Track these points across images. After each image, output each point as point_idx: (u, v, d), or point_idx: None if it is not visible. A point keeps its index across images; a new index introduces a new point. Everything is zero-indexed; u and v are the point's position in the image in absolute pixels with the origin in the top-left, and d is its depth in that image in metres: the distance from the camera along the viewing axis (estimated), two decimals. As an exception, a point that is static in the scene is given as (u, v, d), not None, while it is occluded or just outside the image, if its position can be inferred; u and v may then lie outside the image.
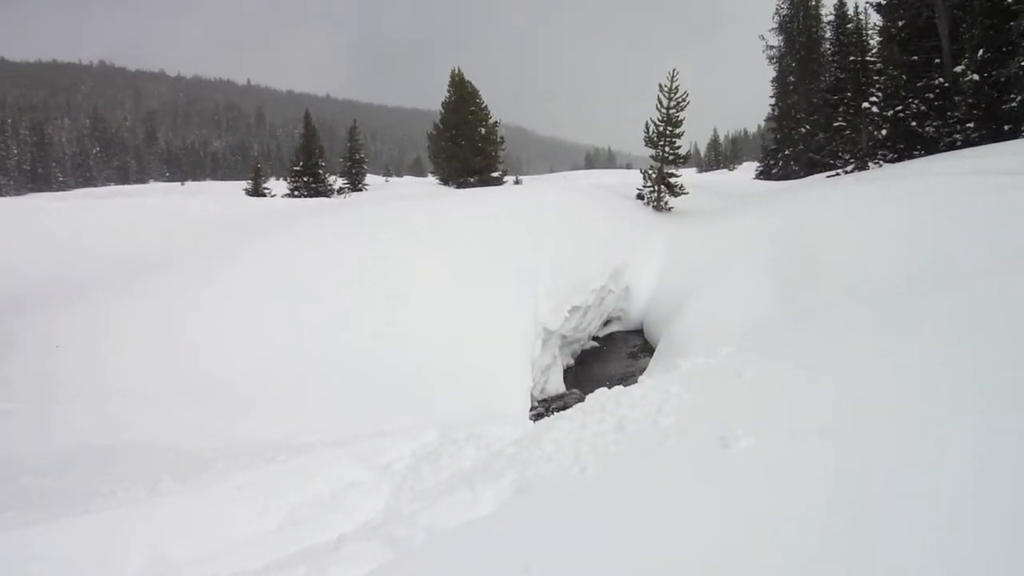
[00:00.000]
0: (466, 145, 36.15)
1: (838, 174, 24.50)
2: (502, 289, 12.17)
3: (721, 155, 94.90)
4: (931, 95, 23.89)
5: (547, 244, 14.67)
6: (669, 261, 16.67)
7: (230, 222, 15.94)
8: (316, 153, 39.64)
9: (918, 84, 24.09)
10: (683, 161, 22.85)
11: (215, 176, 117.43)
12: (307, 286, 11.04)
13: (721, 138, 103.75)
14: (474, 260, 12.93)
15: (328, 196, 37.70)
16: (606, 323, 16.08)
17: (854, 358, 5.27)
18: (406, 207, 16.33)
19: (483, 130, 36.92)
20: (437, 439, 6.77)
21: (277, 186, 44.50)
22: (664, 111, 22.30)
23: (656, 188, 22.37)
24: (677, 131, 22.42)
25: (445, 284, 11.78)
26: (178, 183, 76.28)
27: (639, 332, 15.71)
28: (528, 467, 5.11)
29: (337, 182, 42.08)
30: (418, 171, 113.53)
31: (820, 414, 4.39)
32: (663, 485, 4.13)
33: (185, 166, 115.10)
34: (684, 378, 6.75)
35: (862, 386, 4.60)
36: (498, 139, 38.10)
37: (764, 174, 42.43)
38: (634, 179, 25.17)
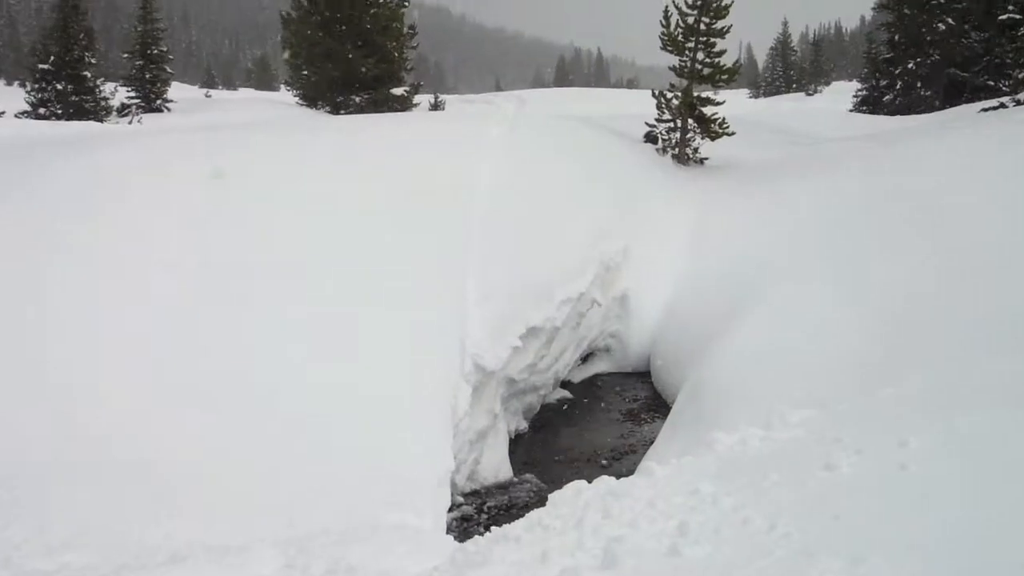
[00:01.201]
0: (349, 37, 35.79)
1: (1002, 105, 24.56)
2: (400, 296, 11.88)
3: (794, 69, 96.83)
4: None
5: (483, 217, 14.54)
6: (698, 252, 16.73)
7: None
8: (80, 41, 38.76)
9: None
10: (727, 78, 23.08)
11: None
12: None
13: (795, 40, 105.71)
14: (355, 246, 12.64)
15: (101, 118, 36.89)
16: (586, 358, 16.09)
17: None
18: (231, 148, 15.90)
19: (379, 12, 36.63)
20: (277, 571, 6.54)
21: (8, 96, 43.13)
22: (697, -12, 22.45)
23: (679, 124, 22.47)
24: (718, 25, 22.60)
25: (302, 293, 11.42)
26: None
27: (643, 375, 15.73)
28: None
29: (118, 94, 41.26)
30: (265, 81, 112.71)
31: (987, 550, 4.18)
32: None
33: None
34: (725, 467, 6.59)
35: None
36: (406, 30, 37.79)
37: (869, 103, 42.88)
38: (642, 108, 25.29)
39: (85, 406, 8.60)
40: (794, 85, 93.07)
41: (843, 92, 60.45)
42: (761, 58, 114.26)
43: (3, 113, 33.62)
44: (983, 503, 4.66)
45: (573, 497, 6.76)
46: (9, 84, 55.25)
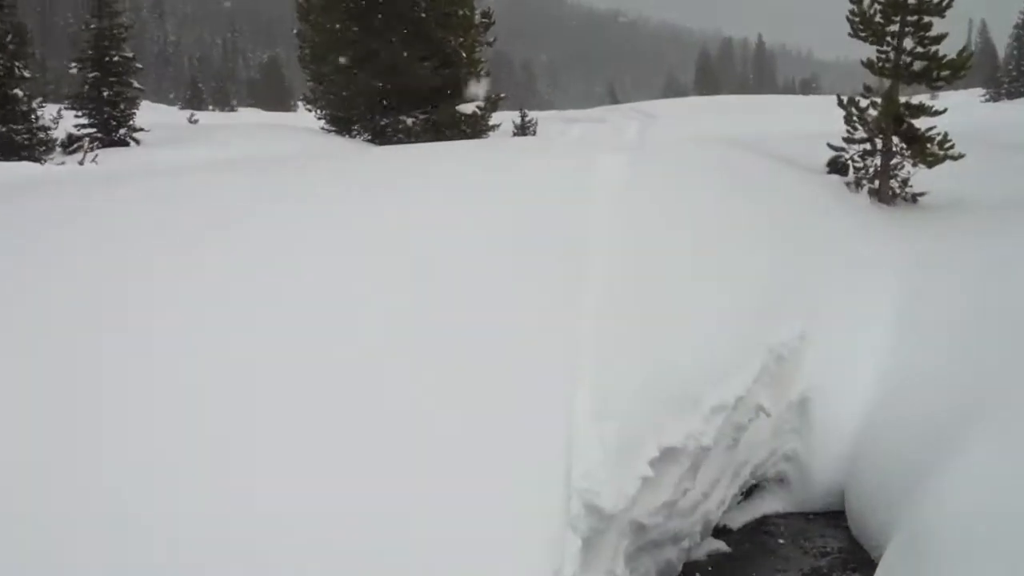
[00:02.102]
0: (396, 30, 36.14)
1: None
2: (481, 411, 12.07)
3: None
4: None
5: (597, 294, 14.66)
6: (913, 337, 16.66)
7: None
8: (6, 44, 39.19)
9: None
10: (952, 75, 23.03)
11: None
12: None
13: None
14: (422, 346, 12.90)
15: (39, 158, 37.13)
16: (749, 492, 16.09)
17: None
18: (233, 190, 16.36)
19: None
20: None
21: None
22: (901, -49, 22.62)
23: (881, 145, 22.51)
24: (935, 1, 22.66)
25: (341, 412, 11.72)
26: None
27: (834, 517, 15.67)
28: None
29: (63, 120, 41.88)
30: (275, 97, 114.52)
31: None
32: None
33: None
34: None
35: None
36: (479, 18, 38.19)
37: None
38: (822, 122, 25.41)
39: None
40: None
41: None
42: (1002, 44, 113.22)
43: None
44: None
45: None
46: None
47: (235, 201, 15.92)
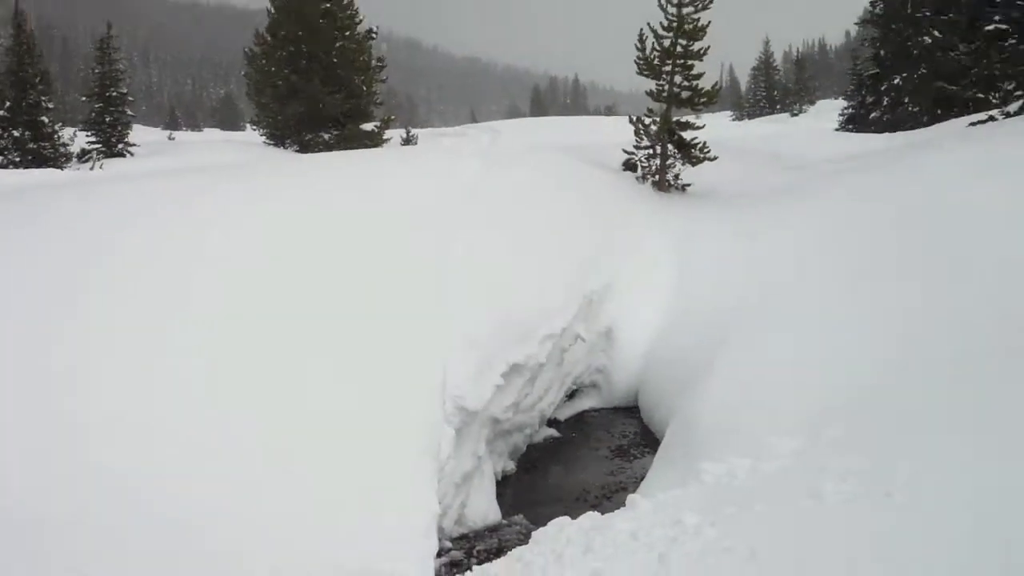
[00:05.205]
0: (315, 72, 35.90)
1: (991, 119, 24.48)
2: (378, 339, 12.00)
3: (777, 89, 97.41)
4: None
5: (462, 256, 14.60)
6: (683, 283, 16.87)
7: None
8: (37, 85, 38.65)
9: None
10: (707, 101, 23.29)
11: None
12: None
13: (777, 59, 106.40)
14: (323, 289, 12.70)
15: (60, 165, 36.77)
16: (572, 395, 16.19)
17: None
18: (195, 192, 16.02)
19: (345, 45, 36.81)
20: None
21: (-38, 145, 43.08)
22: (673, 10, 22.68)
23: (659, 150, 22.68)
24: (695, 47, 22.86)
25: (272, 334, 11.48)
26: None
27: (631, 410, 15.85)
28: None
29: (78, 139, 41.15)
30: (229, 120, 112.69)
31: None
32: None
33: None
34: (710, 498, 6.72)
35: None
36: (374, 62, 37.98)
37: (855, 121, 43.20)
38: (620, 135, 25.51)
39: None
40: (778, 106, 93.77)
41: (828, 111, 61.18)
42: (744, 79, 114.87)
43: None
44: (970, 530, 4.78)
45: (555, 533, 6.91)
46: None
47: (200, 186, 15.65)
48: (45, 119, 37.96)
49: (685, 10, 22.48)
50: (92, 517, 8.13)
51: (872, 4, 42.47)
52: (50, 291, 10.89)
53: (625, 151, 23.41)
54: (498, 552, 10.57)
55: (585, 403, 16.27)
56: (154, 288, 11.46)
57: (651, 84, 23.06)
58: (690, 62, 22.85)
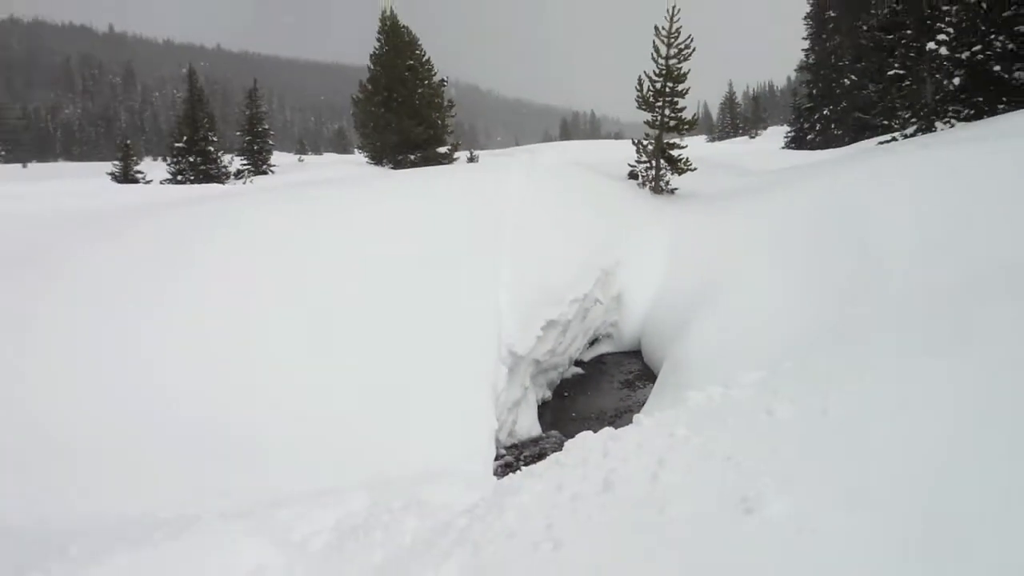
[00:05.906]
0: (403, 111, 36.05)
1: (894, 139, 24.57)
2: (452, 303, 12.04)
3: (739, 118, 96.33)
4: (1023, 28, 21.33)
5: (511, 242, 14.63)
6: (673, 260, 16.79)
7: (81, 219, 15.33)
8: (204, 124, 39.11)
9: (1004, 14, 21.63)
10: (688, 128, 23.09)
11: (69, 155, 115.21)
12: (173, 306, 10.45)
13: (739, 96, 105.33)
14: (413, 266, 12.73)
15: (222, 181, 37.37)
16: (592, 343, 16.12)
17: (931, 392, 5.20)
18: (316, 195, 16.10)
19: (425, 91, 36.89)
20: (366, 506, 6.61)
21: (154, 168, 43.97)
22: (662, 61, 22.48)
23: (654, 164, 22.53)
24: (679, 87, 22.65)
25: (374, 300, 11.53)
26: (18, 165, 74.74)
27: (636, 354, 15.76)
28: (484, 545, 4.97)
29: (234, 163, 41.69)
30: (342, 146, 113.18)
31: (883, 469, 4.30)
32: (662, 570, 4.00)
33: (27, 142, 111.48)
34: (695, 416, 6.69)
35: (940, 429, 4.54)
36: (446, 103, 38.09)
37: (796, 142, 43.13)
38: (625, 153, 25.30)
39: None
40: (740, 130, 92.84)
41: (777, 134, 60.53)
42: (715, 111, 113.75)
43: (150, 181, 34.57)
44: (883, 440, 4.75)
45: (581, 443, 6.91)
46: (154, 159, 56.35)
47: (326, 193, 15.67)
48: (211, 149, 39.18)
49: (671, 61, 22.40)
50: (272, 428, 8.33)
51: (806, 55, 44.07)
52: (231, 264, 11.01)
53: (629, 165, 23.33)
54: (539, 456, 10.60)
55: (602, 348, 16.20)
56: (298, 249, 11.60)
57: (647, 116, 22.87)
58: (676, 99, 22.69)
